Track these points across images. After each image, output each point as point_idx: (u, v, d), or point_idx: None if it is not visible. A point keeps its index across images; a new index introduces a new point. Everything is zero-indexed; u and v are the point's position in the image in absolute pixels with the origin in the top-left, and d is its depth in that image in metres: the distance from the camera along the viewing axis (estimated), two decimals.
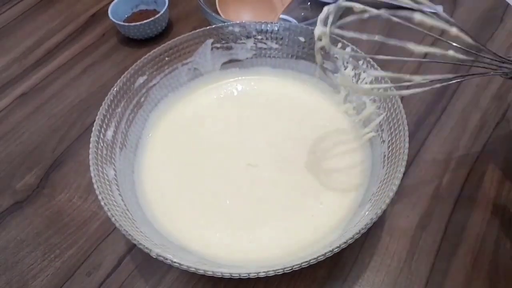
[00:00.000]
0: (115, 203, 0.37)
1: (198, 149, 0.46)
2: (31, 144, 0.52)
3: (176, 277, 0.39)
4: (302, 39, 0.48)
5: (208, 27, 0.48)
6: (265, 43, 0.50)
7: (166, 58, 0.47)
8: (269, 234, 0.40)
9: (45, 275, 0.40)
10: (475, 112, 0.50)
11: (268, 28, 0.49)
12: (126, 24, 0.60)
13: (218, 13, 0.56)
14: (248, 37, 0.49)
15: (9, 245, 0.43)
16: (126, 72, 0.44)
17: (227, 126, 0.48)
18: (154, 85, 0.47)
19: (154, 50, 0.46)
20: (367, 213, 0.36)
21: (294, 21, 0.60)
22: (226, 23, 0.49)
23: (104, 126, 0.42)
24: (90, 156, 0.38)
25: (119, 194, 0.39)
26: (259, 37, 0.49)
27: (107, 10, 0.61)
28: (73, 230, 0.43)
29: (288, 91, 0.51)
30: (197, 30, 0.47)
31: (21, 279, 0.40)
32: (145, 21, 0.59)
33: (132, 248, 0.41)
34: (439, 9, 0.62)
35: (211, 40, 0.49)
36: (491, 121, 0.49)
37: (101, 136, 0.41)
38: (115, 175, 0.40)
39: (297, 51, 0.49)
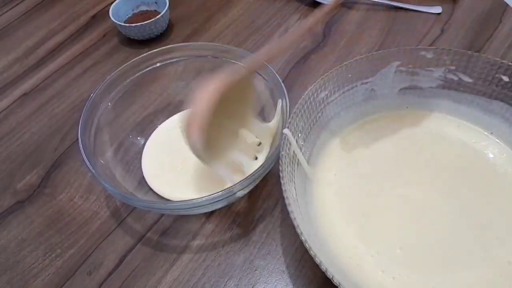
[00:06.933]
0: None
1: (371, 178, 0.42)
2: (32, 144, 0.52)
3: (176, 276, 0.39)
4: (505, 78, 0.41)
5: (398, 48, 0.43)
6: (456, 75, 0.43)
7: (349, 75, 0.43)
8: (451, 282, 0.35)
9: (46, 275, 0.40)
10: None
11: (466, 59, 0.42)
12: (127, 24, 0.60)
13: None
14: (439, 65, 0.43)
15: (10, 245, 0.43)
16: (312, 86, 0.41)
17: (403, 162, 0.43)
18: (332, 101, 0.44)
19: (340, 66, 0.42)
20: None
21: None
22: (419, 47, 0.44)
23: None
24: (282, 170, 0.35)
25: (302, 218, 0.36)
26: (452, 67, 0.43)
27: (108, 11, 0.61)
28: (74, 230, 0.43)
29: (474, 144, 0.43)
30: (386, 50, 0.43)
31: (22, 279, 0.40)
32: (145, 22, 0.59)
33: (133, 247, 0.42)
34: (438, 10, 0.62)
35: (398, 62, 0.44)
36: None
37: (287, 149, 0.37)
38: (296, 194, 0.37)
39: (494, 90, 0.42)
